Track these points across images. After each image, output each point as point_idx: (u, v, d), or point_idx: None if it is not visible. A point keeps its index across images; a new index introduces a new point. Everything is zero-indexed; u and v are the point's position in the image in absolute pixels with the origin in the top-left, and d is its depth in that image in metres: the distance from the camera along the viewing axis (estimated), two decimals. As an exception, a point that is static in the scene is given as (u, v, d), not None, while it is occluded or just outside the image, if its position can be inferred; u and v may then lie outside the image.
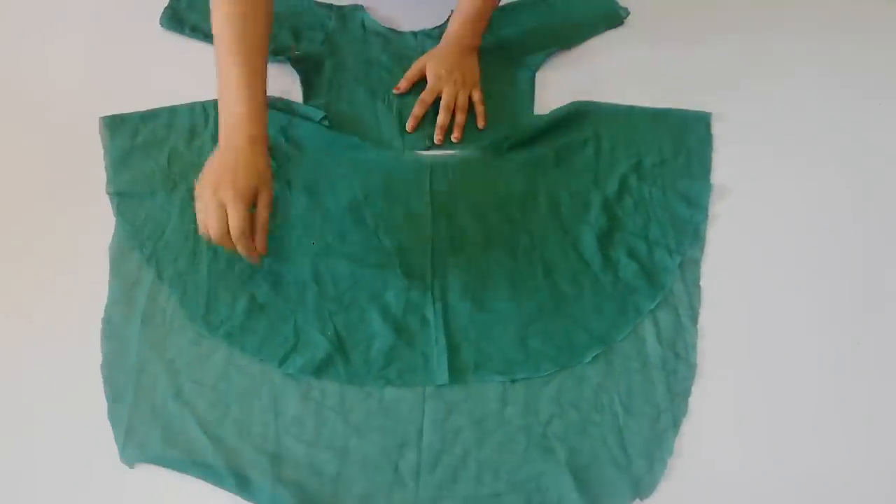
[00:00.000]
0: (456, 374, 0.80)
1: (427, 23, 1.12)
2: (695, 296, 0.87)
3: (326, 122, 0.98)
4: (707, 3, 1.16)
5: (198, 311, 0.83)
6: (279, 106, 0.98)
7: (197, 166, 0.94)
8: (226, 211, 0.77)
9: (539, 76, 1.06)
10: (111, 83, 1.04)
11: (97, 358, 0.81)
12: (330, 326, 0.83)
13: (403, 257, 0.88)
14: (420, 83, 1.03)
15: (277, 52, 1.04)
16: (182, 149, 0.96)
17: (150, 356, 0.80)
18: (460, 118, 1.00)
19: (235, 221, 0.77)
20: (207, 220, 0.78)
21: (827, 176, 0.98)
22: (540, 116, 1.02)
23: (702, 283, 0.88)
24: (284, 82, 1.02)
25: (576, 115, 1.01)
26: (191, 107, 1.00)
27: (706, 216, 0.93)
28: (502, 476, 0.75)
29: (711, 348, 0.83)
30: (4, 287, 0.86)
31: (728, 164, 0.98)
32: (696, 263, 0.90)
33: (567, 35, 1.11)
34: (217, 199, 0.77)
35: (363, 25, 1.11)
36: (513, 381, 0.81)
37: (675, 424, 0.78)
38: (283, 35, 1.08)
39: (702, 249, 0.91)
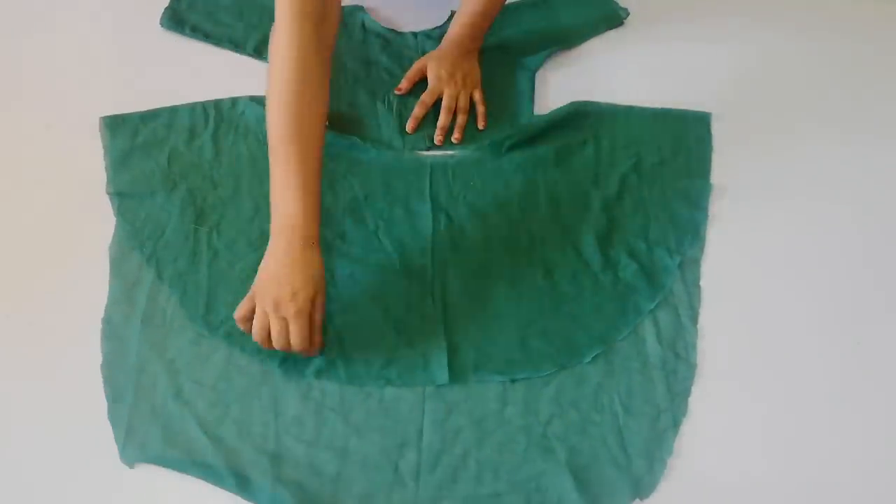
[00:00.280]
0: (456, 374, 0.80)
1: (427, 24, 1.12)
2: (695, 296, 0.87)
3: (326, 123, 0.98)
4: (707, 3, 1.16)
5: (198, 311, 0.83)
6: None
7: (197, 166, 0.95)
8: (287, 324, 0.76)
9: (539, 76, 1.06)
10: (111, 83, 1.04)
11: (97, 358, 0.80)
12: (330, 327, 0.83)
13: (403, 257, 0.88)
14: (421, 84, 1.03)
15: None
16: (182, 149, 0.96)
17: (151, 356, 0.80)
18: (461, 119, 1.00)
19: (298, 339, 0.76)
20: (272, 334, 0.76)
21: (827, 175, 0.98)
22: (540, 116, 1.02)
23: (702, 283, 0.88)
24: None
25: (576, 115, 1.01)
26: (191, 107, 1.00)
27: (706, 216, 0.93)
28: (502, 476, 0.75)
29: (711, 348, 0.83)
30: (4, 287, 0.86)
31: (728, 164, 0.98)
32: (696, 263, 0.90)
33: (567, 35, 1.11)
34: (279, 315, 0.76)
35: (363, 26, 1.11)
36: (513, 381, 0.80)
37: (675, 424, 0.78)
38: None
39: (702, 249, 0.91)
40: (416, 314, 0.84)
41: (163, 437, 0.76)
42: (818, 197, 0.96)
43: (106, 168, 0.94)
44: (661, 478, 0.75)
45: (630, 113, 1.02)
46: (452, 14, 1.11)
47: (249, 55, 1.06)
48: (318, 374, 0.80)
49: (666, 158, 0.98)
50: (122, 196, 0.92)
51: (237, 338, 0.81)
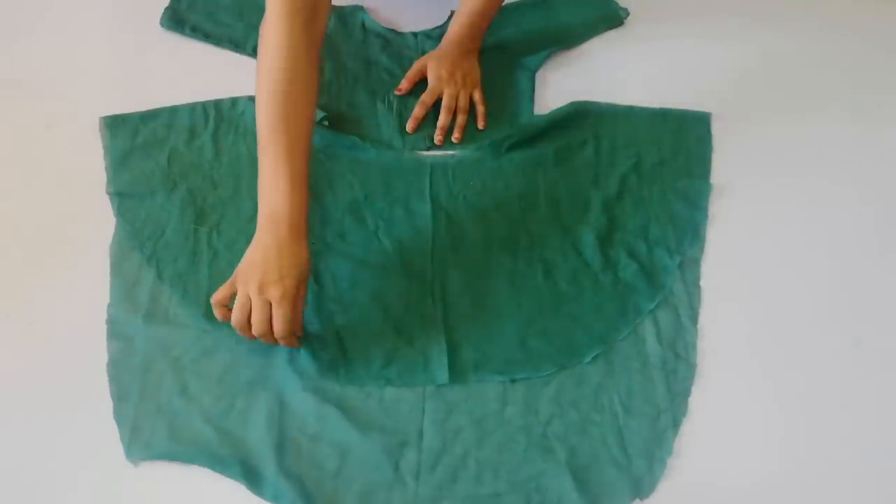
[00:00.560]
0: (456, 373, 0.80)
1: (427, 23, 1.12)
2: (695, 296, 0.87)
3: (327, 123, 0.98)
4: (707, 3, 1.16)
5: (198, 310, 0.83)
6: None
7: (197, 166, 0.95)
8: (269, 310, 0.75)
9: (539, 76, 1.06)
10: (111, 83, 1.04)
11: (99, 357, 0.80)
12: (330, 326, 0.83)
13: (403, 257, 0.88)
14: (421, 83, 1.03)
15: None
16: (182, 149, 0.96)
17: (156, 354, 0.81)
18: (461, 119, 1.00)
19: (283, 324, 0.75)
20: (252, 317, 0.75)
21: (827, 175, 0.98)
22: (540, 116, 1.02)
23: (702, 283, 0.88)
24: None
25: (575, 115, 1.01)
26: (191, 107, 1.00)
27: (706, 216, 0.93)
28: (502, 476, 0.75)
29: (711, 348, 0.83)
30: (5, 287, 0.86)
31: (728, 164, 0.98)
32: (696, 263, 0.90)
33: (567, 35, 1.11)
34: (263, 298, 0.75)
35: (363, 26, 1.11)
36: (513, 381, 0.81)
37: (675, 424, 0.78)
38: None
39: (702, 249, 0.91)
40: (415, 314, 0.84)
41: (168, 434, 0.76)
42: (818, 197, 0.96)
43: (106, 168, 0.94)
44: (660, 478, 0.75)
45: (630, 113, 1.02)
46: (452, 14, 1.11)
47: (249, 55, 1.06)
48: (320, 373, 0.80)
49: (666, 158, 0.98)
50: (122, 196, 0.92)
51: (239, 337, 0.81)
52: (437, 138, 0.98)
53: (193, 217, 0.90)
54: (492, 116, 1.02)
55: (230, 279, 0.77)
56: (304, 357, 0.81)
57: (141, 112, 0.99)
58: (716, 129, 1.01)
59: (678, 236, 0.91)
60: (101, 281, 0.85)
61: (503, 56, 1.07)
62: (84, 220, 0.90)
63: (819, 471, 0.77)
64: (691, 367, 0.82)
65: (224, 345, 0.81)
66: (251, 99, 0.99)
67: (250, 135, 0.97)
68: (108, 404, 0.78)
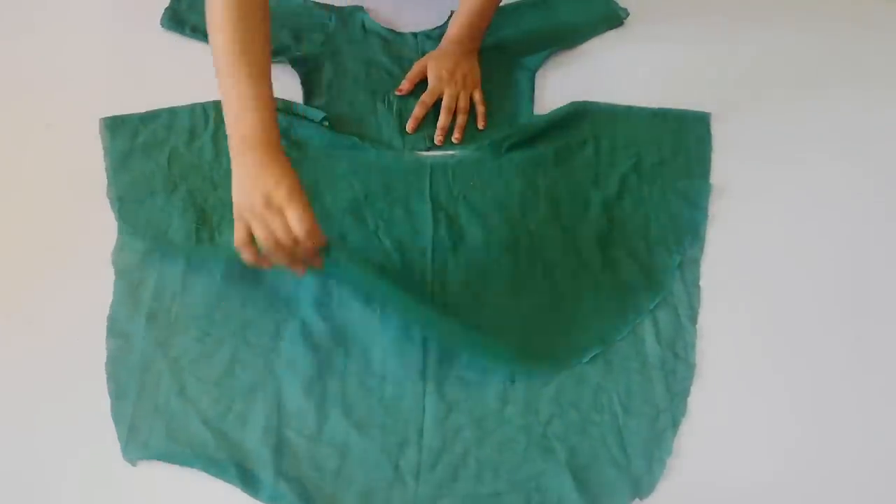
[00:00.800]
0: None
1: (427, 24, 1.12)
2: (694, 296, 0.87)
3: (327, 123, 0.98)
4: (707, 3, 1.16)
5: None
6: (279, 107, 0.98)
7: (197, 167, 0.95)
8: (283, 218, 0.73)
9: (539, 76, 1.06)
10: (111, 83, 1.04)
11: (100, 356, 0.80)
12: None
13: (403, 257, 0.88)
14: (422, 84, 1.03)
15: (277, 53, 1.04)
16: (182, 150, 0.96)
17: (155, 354, 0.81)
18: (461, 119, 1.00)
19: (302, 221, 0.72)
20: (275, 236, 0.73)
21: (827, 176, 0.98)
22: (540, 116, 1.02)
23: (701, 283, 0.88)
24: (284, 82, 1.02)
25: (575, 115, 1.01)
26: (191, 108, 1.00)
27: (706, 216, 0.93)
28: (502, 475, 0.75)
29: (711, 348, 0.83)
30: (6, 286, 0.86)
31: (727, 164, 0.98)
32: (696, 263, 0.90)
33: (567, 35, 1.11)
34: (273, 207, 0.73)
35: (363, 26, 1.11)
36: (513, 381, 0.81)
37: (675, 424, 0.78)
38: (284, 36, 1.08)
39: (701, 249, 0.91)
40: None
41: (166, 434, 0.76)
42: (818, 197, 0.96)
43: (106, 169, 0.94)
44: (660, 477, 0.75)
45: (630, 113, 1.02)
46: (452, 14, 1.11)
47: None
48: (320, 372, 0.80)
49: (666, 158, 0.98)
50: (123, 198, 0.92)
51: (240, 334, 0.82)
52: (438, 138, 0.98)
53: (194, 218, 0.90)
54: (491, 116, 1.02)
55: (235, 220, 0.76)
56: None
57: (140, 113, 0.99)
58: (716, 129, 1.01)
59: (678, 236, 0.91)
60: (102, 281, 0.85)
61: (503, 56, 1.08)
62: (84, 220, 0.91)
63: (819, 470, 0.77)
64: (690, 367, 0.82)
65: (223, 347, 0.81)
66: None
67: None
68: (106, 403, 0.78)
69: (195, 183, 0.93)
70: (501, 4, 1.06)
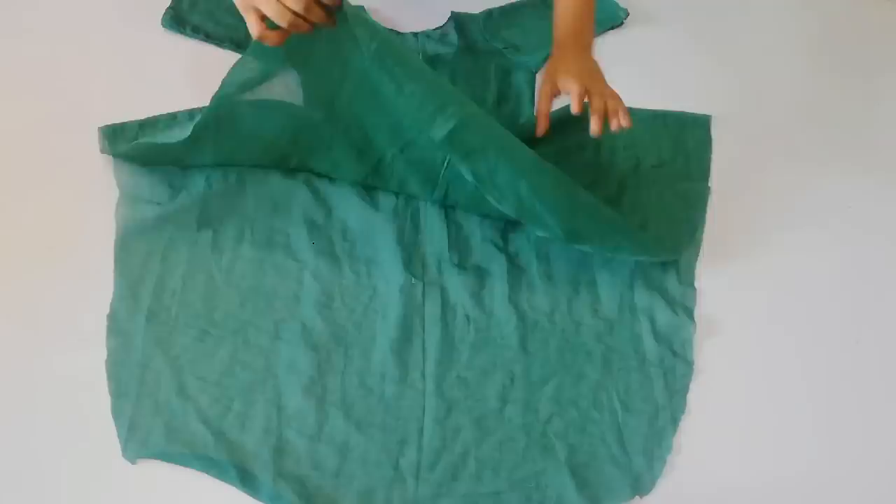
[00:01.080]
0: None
1: (427, 24, 1.12)
2: (690, 295, 0.87)
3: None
4: (707, 4, 1.16)
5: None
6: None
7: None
8: None
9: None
10: (111, 83, 1.04)
11: (100, 355, 0.80)
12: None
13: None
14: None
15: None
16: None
17: (155, 353, 0.81)
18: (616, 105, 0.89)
19: None
20: (280, 3, 0.72)
21: (826, 177, 0.98)
22: (539, 117, 1.02)
23: (699, 281, 0.88)
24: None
25: (575, 117, 1.01)
26: (189, 113, 0.99)
27: (704, 218, 0.93)
28: (502, 474, 0.75)
29: (709, 346, 0.84)
30: (7, 286, 0.86)
31: (727, 166, 0.98)
32: (692, 263, 0.90)
33: (567, 36, 1.11)
34: None
35: (364, 26, 1.11)
36: (512, 381, 0.81)
37: (674, 422, 0.78)
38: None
39: (698, 249, 0.91)
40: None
41: (165, 433, 0.76)
42: (817, 198, 0.97)
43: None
44: (660, 475, 0.75)
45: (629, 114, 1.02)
46: (452, 14, 1.11)
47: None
48: (320, 372, 0.80)
49: (665, 161, 0.98)
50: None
51: (241, 333, 0.82)
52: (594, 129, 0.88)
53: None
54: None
55: (245, 16, 0.75)
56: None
57: (140, 120, 0.98)
58: (715, 131, 1.02)
59: (675, 236, 0.91)
60: (104, 279, 0.85)
61: (503, 56, 1.08)
62: (84, 220, 0.91)
63: (818, 467, 0.77)
64: (689, 365, 0.82)
65: (223, 346, 0.81)
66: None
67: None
68: (106, 401, 0.78)
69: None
70: (501, 4, 1.07)
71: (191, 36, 1.09)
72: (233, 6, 1.13)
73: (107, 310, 0.83)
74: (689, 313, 0.86)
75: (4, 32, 1.10)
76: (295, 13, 0.74)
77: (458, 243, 0.90)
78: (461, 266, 0.88)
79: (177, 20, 1.10)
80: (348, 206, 0.92)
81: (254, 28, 0.76)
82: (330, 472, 0.75)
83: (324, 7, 0.75)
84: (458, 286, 0.87)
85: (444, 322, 0.84)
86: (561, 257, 0.89)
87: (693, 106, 1.03)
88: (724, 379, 0.82)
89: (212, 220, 0.90)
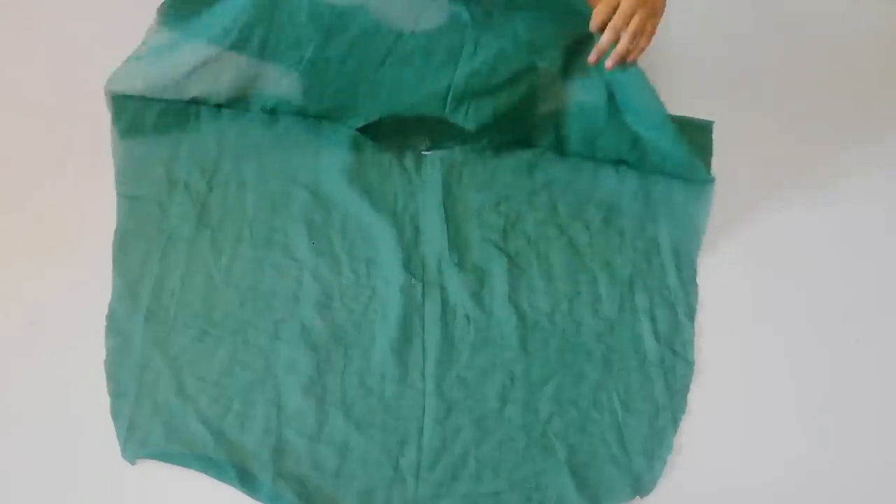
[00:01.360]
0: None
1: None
2: (692, 294, 0.87)
3: None
4: (707, 5, 1.16)
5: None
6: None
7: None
8: None
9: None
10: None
11: (99, 355, 0.80)
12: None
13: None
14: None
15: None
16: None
17: (154, 353, 0.81)
18: (644, 42, 0.87)
19: None
20: None
21: (826, 177, 0.98)
22: (539, 116, 1.02)
23: (700, 281, 0.88)
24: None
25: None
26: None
27: (706, 218, 0.93)
28: (502, 474, 0.75)
29: (710, 346, 0.84)
30: (7, 285, 0.86)
31: (728, 168, 0.98)
32: (693, 262, 0.90)
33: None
34: None
35: (364, 26, 1.11)
36: (512, 381, 0.81)
37: (675, 422, 0.78)
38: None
39: (699, 249, 0.91)
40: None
41: (165, 433, 0.76)
42: (818, 198, 0.97)
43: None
44: (660, 475, 0.75)
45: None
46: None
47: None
48: (320, 372, 0.80)
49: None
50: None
51: (241, 333, 0.82)
52: (606, 61, 0.86)
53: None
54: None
55: None
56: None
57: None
58: (716, 132, 1.01)
59: (675, 235, 0.91)
60: (104, 279, 0.85)
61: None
62: (85, 220, 0.91)
63: (818, 467, 0.77)
64: (689, 365, 0.82)
65: (222, 346, 0.81)
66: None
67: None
68: (106, 401, 0.78)
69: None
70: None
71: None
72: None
73: (105, 310, 0.83)
74: (690, 313, 0.86)
75: (4, 32, 1.10)
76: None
77: (457, 243, 0.90)
78: (461, 266, 0.88)
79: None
80: (348, 205, 0.92)
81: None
82: (330, 472, 0.75)
83: None
84: (457, 286, 0.87)
85: (444, 322, 0.84)
86: (561, 257, 0.89)
87: (693, 107, 1.03)
88: (724, 379, 0.82)
89: (211, 219, 0.90)
